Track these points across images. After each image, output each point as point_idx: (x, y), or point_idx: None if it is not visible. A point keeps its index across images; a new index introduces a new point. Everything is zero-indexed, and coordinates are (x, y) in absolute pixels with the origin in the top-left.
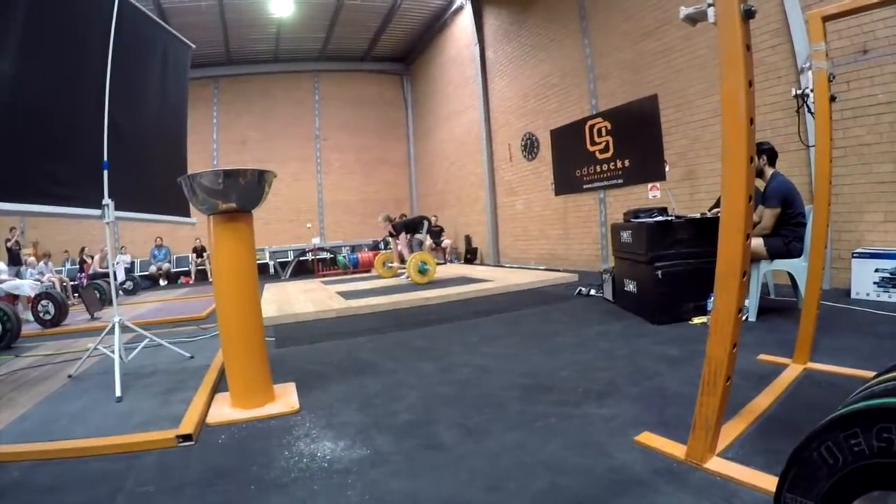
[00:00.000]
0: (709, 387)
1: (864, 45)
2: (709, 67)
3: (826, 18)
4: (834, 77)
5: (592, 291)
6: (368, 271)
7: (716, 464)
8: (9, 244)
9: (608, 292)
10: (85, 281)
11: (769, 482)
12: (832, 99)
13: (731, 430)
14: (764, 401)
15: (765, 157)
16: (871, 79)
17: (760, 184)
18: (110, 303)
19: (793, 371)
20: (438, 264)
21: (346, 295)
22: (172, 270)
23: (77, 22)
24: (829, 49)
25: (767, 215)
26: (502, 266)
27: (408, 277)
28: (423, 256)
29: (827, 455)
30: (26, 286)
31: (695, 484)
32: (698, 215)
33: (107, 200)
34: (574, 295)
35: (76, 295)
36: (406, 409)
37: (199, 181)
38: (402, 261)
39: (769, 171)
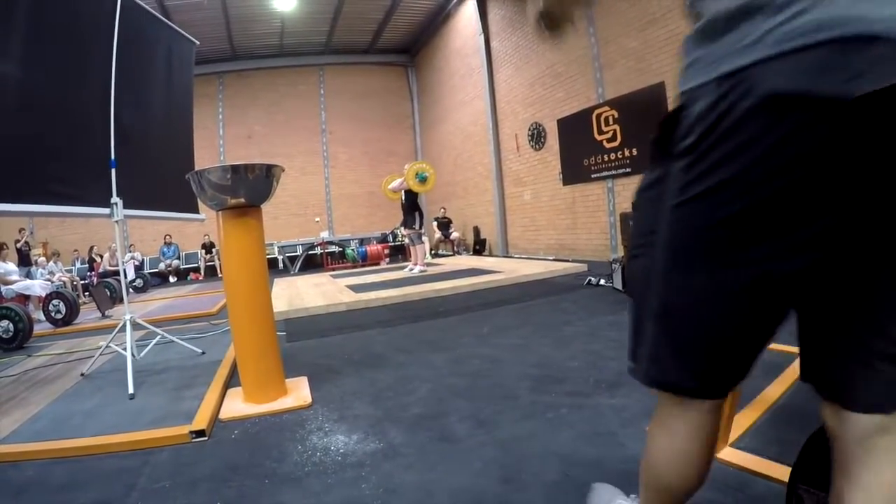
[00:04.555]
0: None
1: None
2: None
3: None
4: None
5: (602, 281)
6: (377, 264)
7: (728, 454)
8: (18, 245)
9: (618, 282)
10: (95, 280)
11: (782, 472)
12: None
13: (744, 420)
14: (776, 390)
15: None
16: None
17: None
18: (121, 301)
19: None
20: (447, 256)
21: (356, 288)
22: (182, 267)
23: (80, 22)
24: None
25: None
26: (511, 257)
27: (419, 266)
28: (421, 165)
29: None
30: (37, 286)
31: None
32: None
33: (115, 199)
34: (583, 285)
35: (87, 294)
36: (418, 402)
37: (208, 177)
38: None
39: None
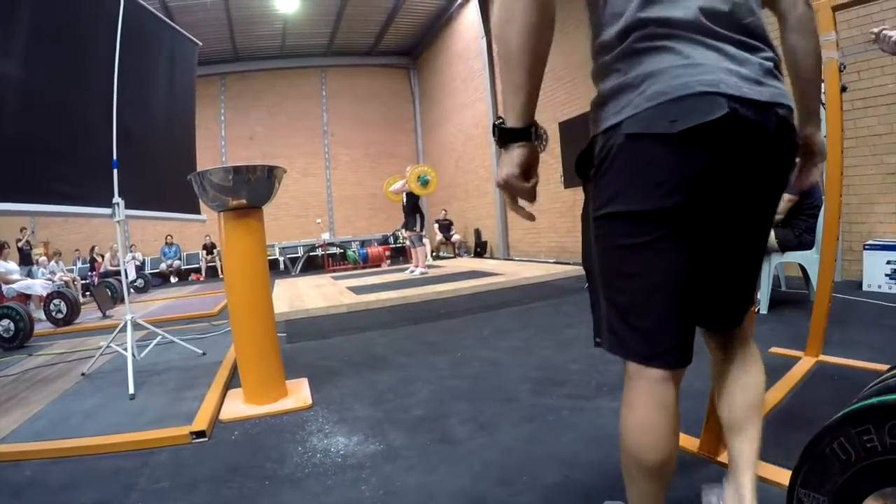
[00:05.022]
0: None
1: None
2: None
3: (836, 8)
4: (844, 67)
5: None
6: (379, 266)
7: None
8: (20, 244)
9: None
10: (96, 279)
11: (782, 476)
12: (843, 89)
13: None
14: (776, 394)
15: None
16: (881, 68)
17: None
18: (122, 301)
19: (805, 364)
20: (448, 258)
21: (357, 290)
22: (183, 268)
23: (83, 22)
24: (838, 39)
25: (783, 200)
26: (512, 260)
27: (420, 268)
28: (423, 168)
29: (839, 451)
30: (38, 286)
31: (708, 477)
32: None
33: (117, 199)
34: (584, 288)
35: (88, 293)
36: (419, 404)
37: (210, 178)
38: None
39: None
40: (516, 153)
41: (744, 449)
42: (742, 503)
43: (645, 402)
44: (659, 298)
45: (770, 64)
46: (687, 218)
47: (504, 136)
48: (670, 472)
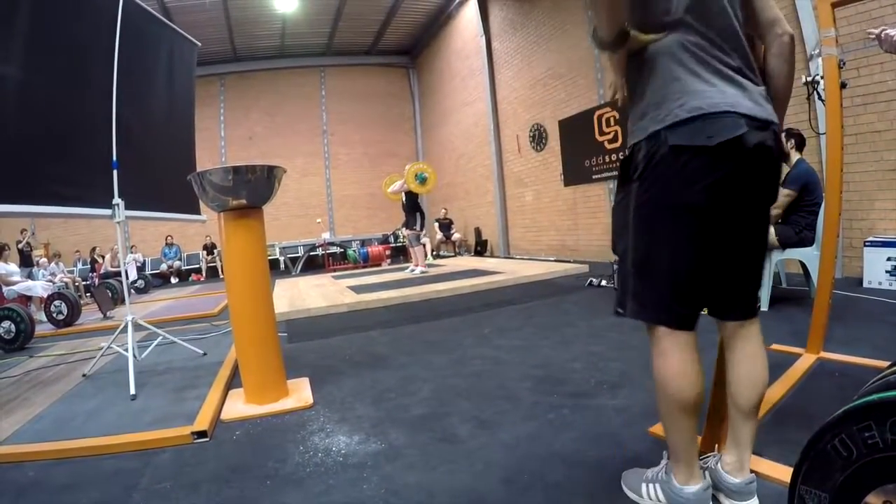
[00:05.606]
0: (722, 377)
1: None
2: None
3: (835, 5)
4: (844, 64)
5: (603, 282)
6: (379, 265)
7: None
8: (20, 245)
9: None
10: (97, 280)
11: (783, 473)
12: (842, 86)
13: None
14: (777, 391)
15: (793, 141)
16: (881, 65)
17: (784, 168)
18: (122, 301)
19: (806, 361)
20: (448, 257)
21: (358, 289)
22: (183, 268)
23: (82, 23)
24: (838, 35)
25: (781, 195)
26: (512, 258)
27: (420, 267)
28: (420, 166)
29: (840, 447)
30: (38, 287)
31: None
32: None
33: (117, 200)
34: (585, 286)
35: (88, 294)
36: (420, 403)
37: (209, 178)
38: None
39: (794, 157)
40: (611, 58)
41: (747, 430)
42: (742, 467)
43: (675, 346)
44: (681, 276)
45: (764, 89)
46: (712, 212)
47: (597, 46)
48: (700, 405)
